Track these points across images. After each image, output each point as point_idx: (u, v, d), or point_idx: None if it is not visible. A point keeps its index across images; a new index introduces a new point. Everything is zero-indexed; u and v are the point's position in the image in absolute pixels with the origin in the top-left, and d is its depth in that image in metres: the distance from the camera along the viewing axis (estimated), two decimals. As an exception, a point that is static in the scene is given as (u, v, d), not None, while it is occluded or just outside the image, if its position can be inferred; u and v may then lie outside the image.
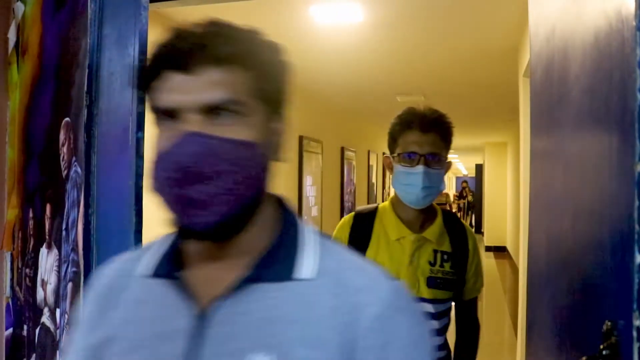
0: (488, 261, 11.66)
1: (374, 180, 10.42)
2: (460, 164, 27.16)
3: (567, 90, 1.12)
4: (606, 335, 0.79)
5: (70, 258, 1.61)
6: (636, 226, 0.69)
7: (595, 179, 0.89)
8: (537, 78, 1.56)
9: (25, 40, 2.06)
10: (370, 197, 10.17)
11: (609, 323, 0.79)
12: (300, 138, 5.93)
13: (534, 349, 1.42)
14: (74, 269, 1.58)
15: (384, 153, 11.37)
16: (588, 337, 0.88)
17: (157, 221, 2.97)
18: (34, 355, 1.95)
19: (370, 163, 10.07)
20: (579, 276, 0.98)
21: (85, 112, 1.52)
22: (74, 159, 1.59)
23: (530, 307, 1.50)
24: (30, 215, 1.98)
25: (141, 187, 1.44)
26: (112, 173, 1.49)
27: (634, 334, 0.70)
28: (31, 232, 1.97)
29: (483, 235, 14.31)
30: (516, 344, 4.63)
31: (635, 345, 0.70)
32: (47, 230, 1.82)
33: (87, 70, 1.54)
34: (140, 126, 1.45)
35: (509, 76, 4.87)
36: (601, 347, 0.80)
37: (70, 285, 1.61)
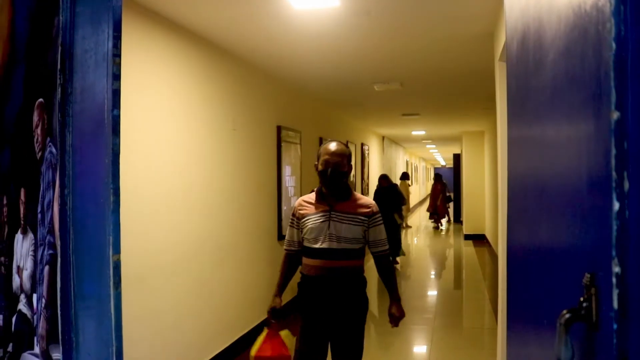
0: (467, 249, 11.78)
1: (352, 171, 10.43)
2: (438, 155, 27.34)
3: (544, 55, 1.13)
4: (586, 288, 0.80)
5: (47, 241, 1.58)
6: (613, 174, 0.70)
7: (573, 134, 0.90)
8: (513, 51, 1.58)
9: (-6, 23, 2.01)
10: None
11: (588, 275, 0.80)
12: (279, 128, 5.91)
13: (514, 312, 1.43)
14: (51, 251, 1.55)
15: (362, 144, 11.37)
16: (569, 293, 0.89)
17: (135, 199, 2.93)
18: (10, 344, 1.92)
19: (349, 154, 10.08)
20: (559, 234, 0.99)
21: (59, 91, 1.49)
22: (48, 139, 1.56)
23: (510, 270, 1.52)
24: (5, 202, 1.94)
25: (118, 166, 1.41)
26: (88, 152, 1.47)
27: (613, 280, 0.71)
28: (5, 219, 1.93)
29: (462, 224, 14.44)
30: (496, 328, 4.69)
31: (615, 292, 0.71)
32: (22, 215, 1.78)
33: (60, 49, 1.51)
34: (115, 104, 1.42)
35: (486, 63, 4.91)
36: (581, 299, 0.81)
37: (47, 268, 1.59)
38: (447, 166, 32.36)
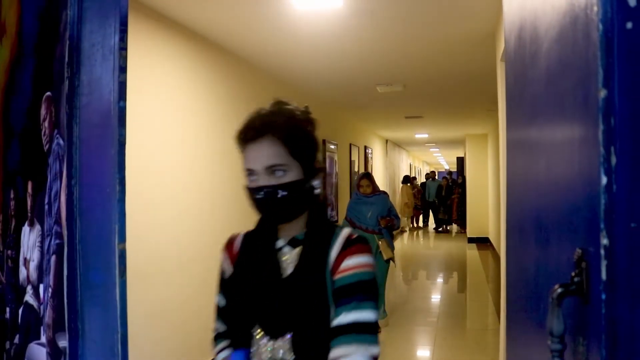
0: (471, 252, 11.78)
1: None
2: (442, 158, 27.35)
3: (539, 46, 1.16)
4: (577, 263, 0.83)
5: (54, 231, 1.61)
6: (601, 149, 0.73)
7: (567, 118, 0.92)
8: (511, 46, 1.61)
9: (2, 22, 2.05)
10: (352, 192, 10.21)
11: (579, 251, 0.82)
12: (282, 129, 5.94)
13: (513, 297, 1.45)
14: (58, 241, 1.58)
15: (366, 146, 11.40)
16: (563, 272, 0.92)
17: (140, 189, 2.97)
18: (17, 335, 1.95)
19: (352, 158, 10.10)
20: (552, 217, 1.02)
21: (66, 84, 1.53)
22: (55, 131, 1.60)
23: (509, 254, 1.55)
24: (12, 196, 1.97)
25: (124, 156, 1.45)
26: (95, 143, 1.50)
27: (602, 252, 0.74)
28: (12, 213, 1.97)
29: (466, 227, 14.46)
30: (499, 329, 4.70)
31: (603, 263, 0.74)
32: (29, 208, 1.82)
33: (67, 43, 1.54)
34: (122, 96, 1.45)
35: (488, 64, 4.94)
36: (572, 274, 0.83)
37: (53, 258, 1.62)
38: (451, 170, 32.35)
